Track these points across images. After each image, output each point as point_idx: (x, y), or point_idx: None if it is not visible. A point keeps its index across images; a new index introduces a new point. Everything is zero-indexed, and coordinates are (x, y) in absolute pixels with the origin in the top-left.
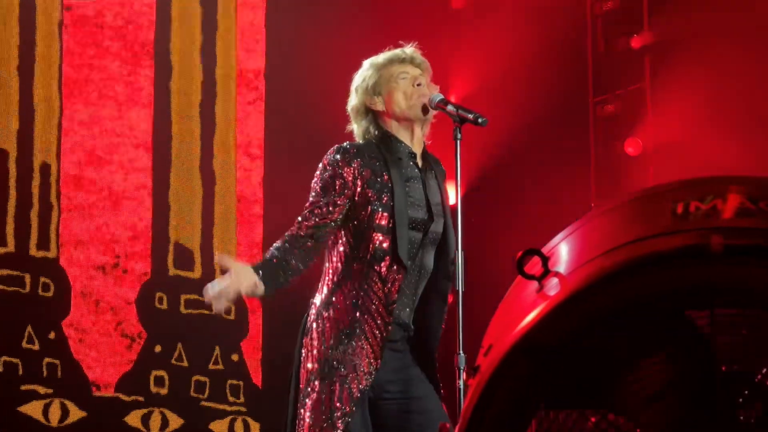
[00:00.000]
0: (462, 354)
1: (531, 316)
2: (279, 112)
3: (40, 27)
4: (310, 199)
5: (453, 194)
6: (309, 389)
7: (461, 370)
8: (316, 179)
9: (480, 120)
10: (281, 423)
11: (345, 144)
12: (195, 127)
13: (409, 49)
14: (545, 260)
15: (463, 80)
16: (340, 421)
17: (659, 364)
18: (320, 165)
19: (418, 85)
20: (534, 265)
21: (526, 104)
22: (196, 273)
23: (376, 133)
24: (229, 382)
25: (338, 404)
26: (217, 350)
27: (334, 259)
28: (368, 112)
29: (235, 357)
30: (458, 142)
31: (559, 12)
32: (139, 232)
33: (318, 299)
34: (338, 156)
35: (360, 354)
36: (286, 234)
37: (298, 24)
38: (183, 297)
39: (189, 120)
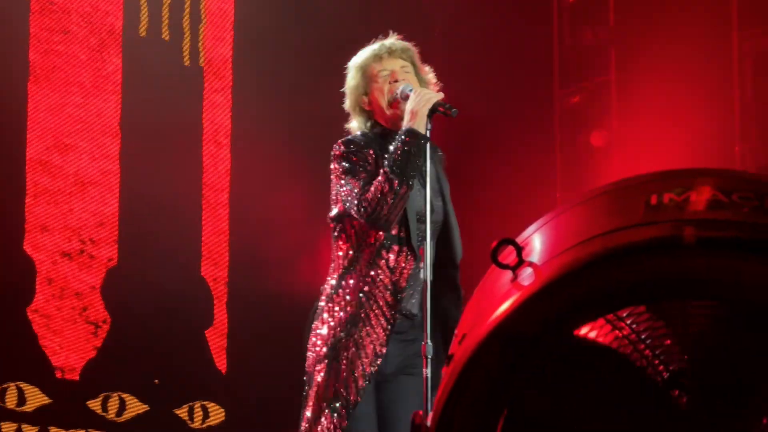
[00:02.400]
0: (429, 343)
1: (505, 306)
2: (246, 100)
3: (6, 12)
4: (347, 187)
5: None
6: (314, 372)
7: (428, 359)
8: (339, 171)
9: (452, 111)
10: (246, 408)
11: (350, 137)
12: (162, 115)
13: (388, 42)
14: (519, 250)
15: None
16: (343, 408)
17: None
18: (336, 158)
19: (395, 81)
20: (508, 255)
21: (491, 95)
22: (162, 260)
23: (374, 128)
24: (194, 368)
25: (342, 390)
26: (183, 337)
27: (344, 245)
28: (362, 110)
29: (199, 343)
30: (428, 132)
31: (525, 3)
32: (106, 219)
33: (328, 285)
34: (352, 145)
35: (366, 340)
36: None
37: (267, 12)
38: (148, 284)
39: (156, 107)
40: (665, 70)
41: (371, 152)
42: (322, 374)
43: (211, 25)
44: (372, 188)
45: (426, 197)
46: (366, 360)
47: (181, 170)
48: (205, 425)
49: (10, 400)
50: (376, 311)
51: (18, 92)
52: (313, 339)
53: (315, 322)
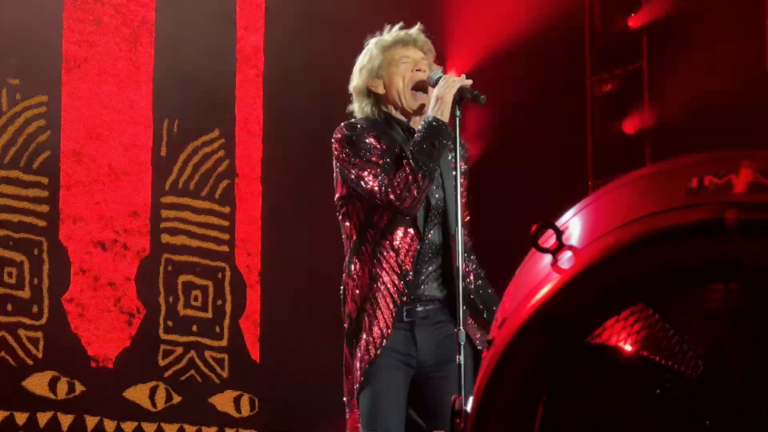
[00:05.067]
0: (462, 329)
1: (545, 290)
2: (278, 89)
3: (40, 2)
4: (362, 173)
5: (453, 172)
6: (345, 356)
7: (461, 346)
8: (346, 155)
9: (480, 97)
10: (280, 398)
11: (351, 120)
12: (195, 104)
13: (414, 31)
14: (559, 234)
15: (461, 59)
16: (352, 391)
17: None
18: (339, 141)
19: (418, 70)
20: (547, 239)
21: (523, 83)
22: (195, 250)
23: (377, 114)
24: (227, 357)
25: (358, 373)
26: (215, 326)
27: (349, 227)
28: (370, 93)
29: (233, 333)
30: (457, 119)
31: None
32: (139, 209)
33: (344, 268)
34: (356, 128)
35: (373, 321)
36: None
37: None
38: (181, 274)
39: (188, 97)
40: (697, 56)
41: (374, 135)
42: (348, 357)
43: (243, 13)
44: (397, 179)
45: (457, 183)
46: (372, 342)
47: (214, 160)
48: (239, 415)
49: (52, 390)
50: (384, 292)
51: (52, 83)
52: (345, 321)
53: (342, 304)
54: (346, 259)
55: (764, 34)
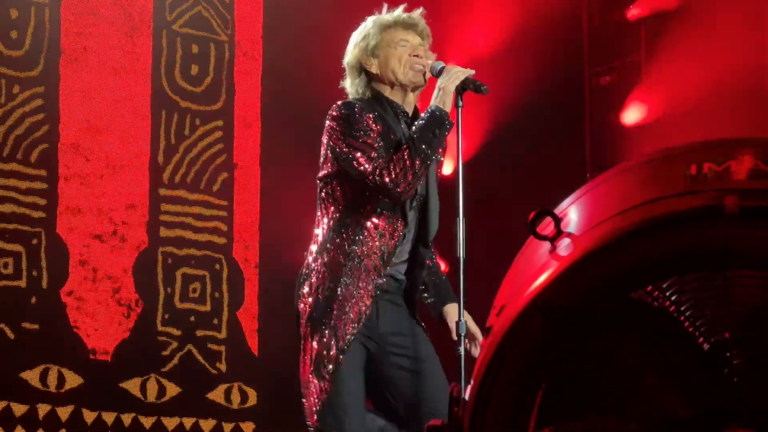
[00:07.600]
0: (463, 321)
1: (544, 277)
2: (277, 80)
3: None
4: (355, 153)
5: (454, 163)
6: (305, 336)
7: (462, 337)
8: (340, 134)
9: (482, 88)
10: (278, 390)
11: (349, 100)
12: (193, 96)
13: (416, 15)
14: (557, 221)
15: (459, 51)
16: (326, 372)
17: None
18: (335, 119)
19: (416, 56)
20: (546, 226)
21: (521, 75)
22: (193, 242)
23: (368, 93)
24: (225, 349)
25: (325, 353)
26: (213, 319)
27: (332, 207)
28: (362, 70)
29: (231, 325)
30: (459, 110)
31: None
32: (137, 201)
33: (314, 247)
34: (354, 108)
35: (351, 302)
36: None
37: None
38: (179, 266)
39: (187, 88)
40: (695, 47)
41: (371, 117)
42: (309, 337)
43: (241, 3)
44: (393, 162)
45: (459, 171)
46: (349, 322)
47: (212, 152)
48: (238, 407)
49: (50, 382)
50: (363, 274)
51: (50, 75)
52: (302, 304)
53: (302, 288)
54: (320, 237)
55: (764, 26)
